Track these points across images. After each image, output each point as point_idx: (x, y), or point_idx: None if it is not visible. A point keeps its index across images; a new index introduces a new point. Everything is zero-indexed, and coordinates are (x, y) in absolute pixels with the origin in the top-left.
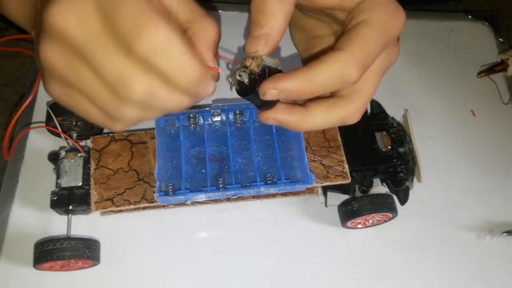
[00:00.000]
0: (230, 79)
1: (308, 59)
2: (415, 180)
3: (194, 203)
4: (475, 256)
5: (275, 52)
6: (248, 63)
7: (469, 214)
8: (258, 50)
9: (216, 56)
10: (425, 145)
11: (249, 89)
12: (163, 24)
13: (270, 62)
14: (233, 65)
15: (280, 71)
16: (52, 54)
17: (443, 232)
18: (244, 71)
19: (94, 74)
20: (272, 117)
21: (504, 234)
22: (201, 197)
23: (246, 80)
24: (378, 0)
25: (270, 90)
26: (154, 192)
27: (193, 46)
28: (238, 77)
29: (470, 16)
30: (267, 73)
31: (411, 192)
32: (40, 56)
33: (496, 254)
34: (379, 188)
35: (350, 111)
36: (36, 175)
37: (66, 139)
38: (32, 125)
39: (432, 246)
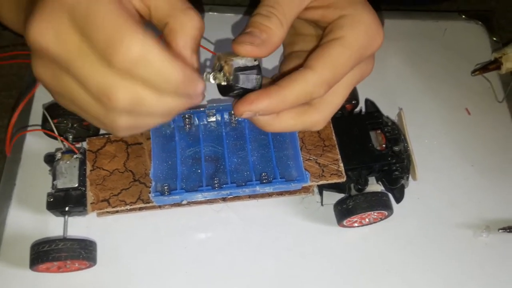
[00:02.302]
0: (209, 77)
1: (289, 56)
2: (410, 178)
3: (190, 203)
4: (472, 254)
5: None
6: (223, 63)
7: (465, 211)
8: (249, 52)
9: (196, 51)
10: (421, 143)
11: (227, 90)
12: (139, 34)
13: (246, 60)
14: (212, 62)
15: (257, 66)
16: (39, 69)
17: (440, 230)
18: (219, 73)
19: (80, 87)
20: (247, 110)
21: (500, 231)
22: (197, 197)
23: (223, 82)
24: (358, 17)
25: (246, 112)
26: (149, 193)
27: (170, 46)
28: (212, 81)
29: (464, 16)
30: (241, 76)
31: (406, 191)
32: (32, 69)
33: (493, 251)
34: (375, 186)
35: (316, 120)
36: (33, 177)
37: (62, 141)
38: (29, 128)
39: (429, 244)
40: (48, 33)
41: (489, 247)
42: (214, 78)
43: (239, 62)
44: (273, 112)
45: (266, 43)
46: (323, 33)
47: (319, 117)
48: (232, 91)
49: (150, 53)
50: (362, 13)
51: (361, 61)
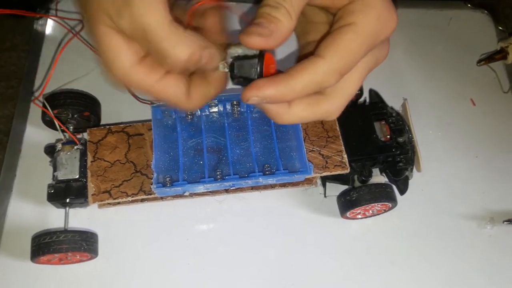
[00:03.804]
0: (219, 65)
1: (304, 47)
2: (414, 170)
3: (192, 194)
4: (476, 246)
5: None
6: (233, 50)
7: (469, 203)
8: (257, 43)
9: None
10: (425, 134)
11: (231, 79)
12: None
13: (246, 49)
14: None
15: (258, 56)
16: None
17: (444, 222)
18: (228, 62)
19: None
20: (254, 95)
21: (505, 223)
22: (199, 188)
23: (225, 69)
24: (369, 2)
25: (252, 97)
26: (151, 184)
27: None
28: (221, 69)
29: (469, 5)
30: (236, 64)
31: (410, 182)
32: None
33: (497, 243)
34: (378, 178)
35: (329, 110)
36: (33, 168)
37: (63, 131)
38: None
39: (433, 236)
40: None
41: (494, 239)
42: (223, 67)
43: (238, 51)
44: (281, 100)
45: (274, 34)
46: (334, 20)
47: (332, 107)
48: (232, 79)
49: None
50: None
51: (374, 47)
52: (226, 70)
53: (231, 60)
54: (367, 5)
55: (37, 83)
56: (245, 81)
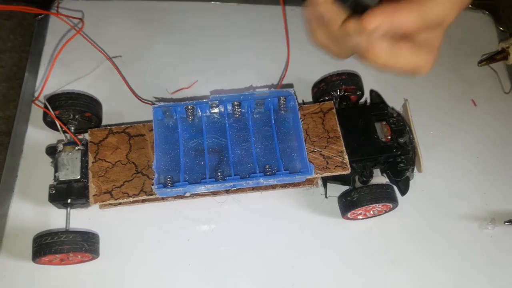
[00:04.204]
0: None
1: None
2: (415, 170)
3: (193, 195)
4: (478, 246)
5: None
6: None
7: (470, 203)
8: None
9: None
10: (426, 135)
11: None
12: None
13: None
14: None
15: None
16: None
17: (445, 222)
18: None
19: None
20: (385, 21)
21: (506, 223)
22: (200, 189)
23: None
24: None
25: (381, 25)
26: (152, 185)
27: None
28: None
29: (470, 6)
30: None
31: (411, 183)
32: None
33: (499, 243)
34: (379, 178)
35: (427, 61)
36: (35, 169)
37: (64, 132)
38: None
39: (434, 236)
40: None
41: (495, 240)
42: None
43: None
44: (408, 30)
45: None
46: None
47: (430, 58)
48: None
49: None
50: None
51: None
52: None
53: None
54: None
55: (38, 84)
56: (357, 5)
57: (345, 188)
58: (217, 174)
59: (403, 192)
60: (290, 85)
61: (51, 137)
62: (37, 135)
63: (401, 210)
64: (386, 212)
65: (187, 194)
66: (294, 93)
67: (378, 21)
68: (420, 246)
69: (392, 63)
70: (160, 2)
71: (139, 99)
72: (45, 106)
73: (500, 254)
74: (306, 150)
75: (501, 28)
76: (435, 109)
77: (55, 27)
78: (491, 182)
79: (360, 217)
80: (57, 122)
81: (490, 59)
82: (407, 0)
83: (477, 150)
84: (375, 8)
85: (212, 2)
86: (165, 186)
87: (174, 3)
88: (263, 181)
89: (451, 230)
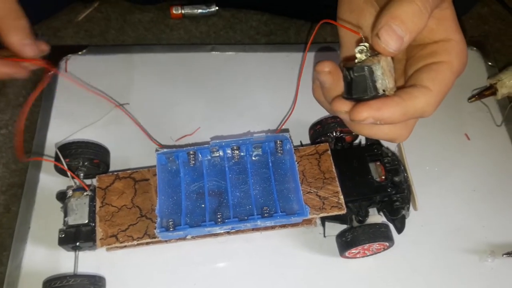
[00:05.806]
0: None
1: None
2: (411, 208)
3: (194, 237)
4: (479, 279)
5: None
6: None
7: (469, 237)
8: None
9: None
10: (422, 170)
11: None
12: None
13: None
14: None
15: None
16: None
17: (445, 257)
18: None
19: None
20: (371, 116)
21: (504, 256)
22: (201, 231)
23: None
24: (462, 46)
25: (368, 118)
26: (155, 228)
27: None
28: (358, 54)
29: None
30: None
31: (410, 219)
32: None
33: (499, 276)
34: (376, 217)
35: (402, 134)
36: (47, 215)
37: (73, 178)
38: (44, 162)
39: (435, 272)
40: None
41: (495, 272)
42: (360, 52)
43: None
44: (388, 122)
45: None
46: (424, 50)
47: (406, 133)
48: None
49: None
50: (463, 42)
51: None
52: (357, 55)
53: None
54: (460, 49)
55: (49, 133)
56: (356, 95)
57: (343, 226)
58: (217, 216)
59: (400, 230)
60: (287, 130)
61: (61, 183)
62: (49, 181)
63: (401, 246)
64: (384, 249)
65: (188, 237)
66: (290, 137)
67: (365, 115)
68: (421, 281)
69: (372, 134)
70: (164, 54)
71: (152, 140)
72: (56, 155)
73: (501, 286)
74: (302, 191)
75: (489, 63)
76: (430, 144)
77: (64, 82)
78: (489, 215)
79: (359, 256)
80: (68, 172)
81: (480, 95)
82: (394, 96)
83: (473, 183)
84: (364, 102)
85: (213, 52)
86: (167, 229)
87: (177, 55)
88: (260, 223)
89: (452, 264)
